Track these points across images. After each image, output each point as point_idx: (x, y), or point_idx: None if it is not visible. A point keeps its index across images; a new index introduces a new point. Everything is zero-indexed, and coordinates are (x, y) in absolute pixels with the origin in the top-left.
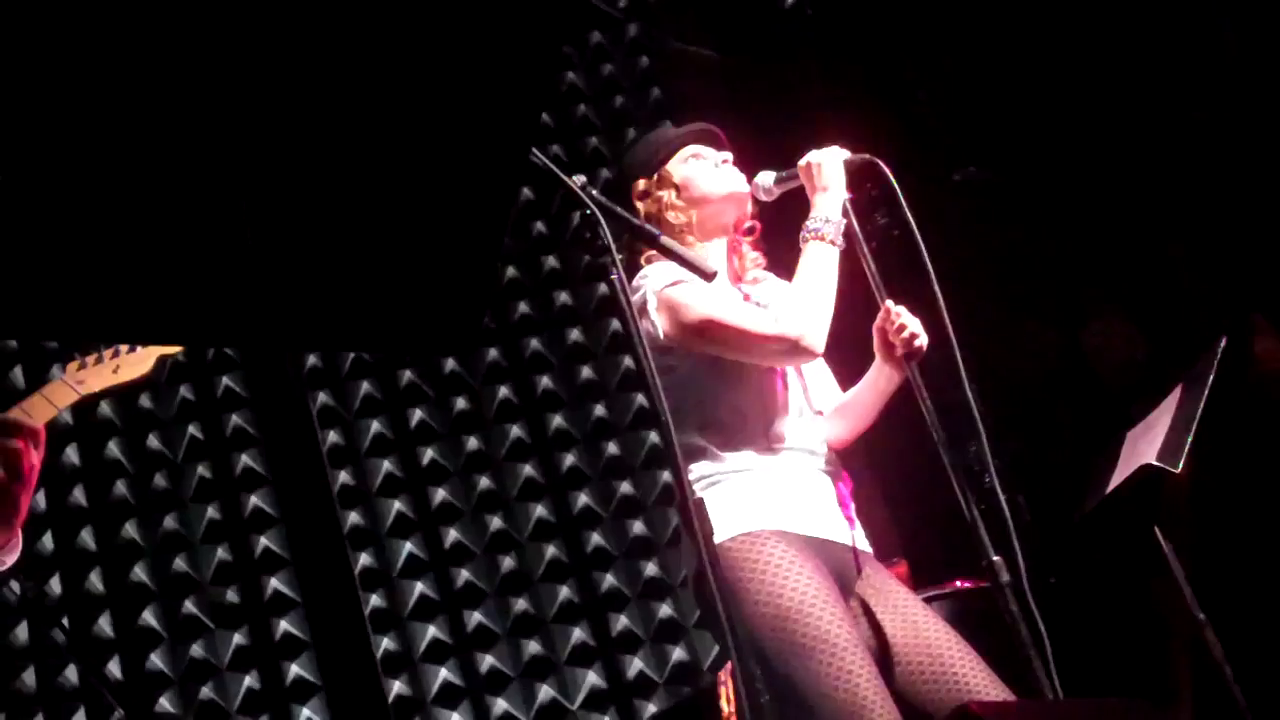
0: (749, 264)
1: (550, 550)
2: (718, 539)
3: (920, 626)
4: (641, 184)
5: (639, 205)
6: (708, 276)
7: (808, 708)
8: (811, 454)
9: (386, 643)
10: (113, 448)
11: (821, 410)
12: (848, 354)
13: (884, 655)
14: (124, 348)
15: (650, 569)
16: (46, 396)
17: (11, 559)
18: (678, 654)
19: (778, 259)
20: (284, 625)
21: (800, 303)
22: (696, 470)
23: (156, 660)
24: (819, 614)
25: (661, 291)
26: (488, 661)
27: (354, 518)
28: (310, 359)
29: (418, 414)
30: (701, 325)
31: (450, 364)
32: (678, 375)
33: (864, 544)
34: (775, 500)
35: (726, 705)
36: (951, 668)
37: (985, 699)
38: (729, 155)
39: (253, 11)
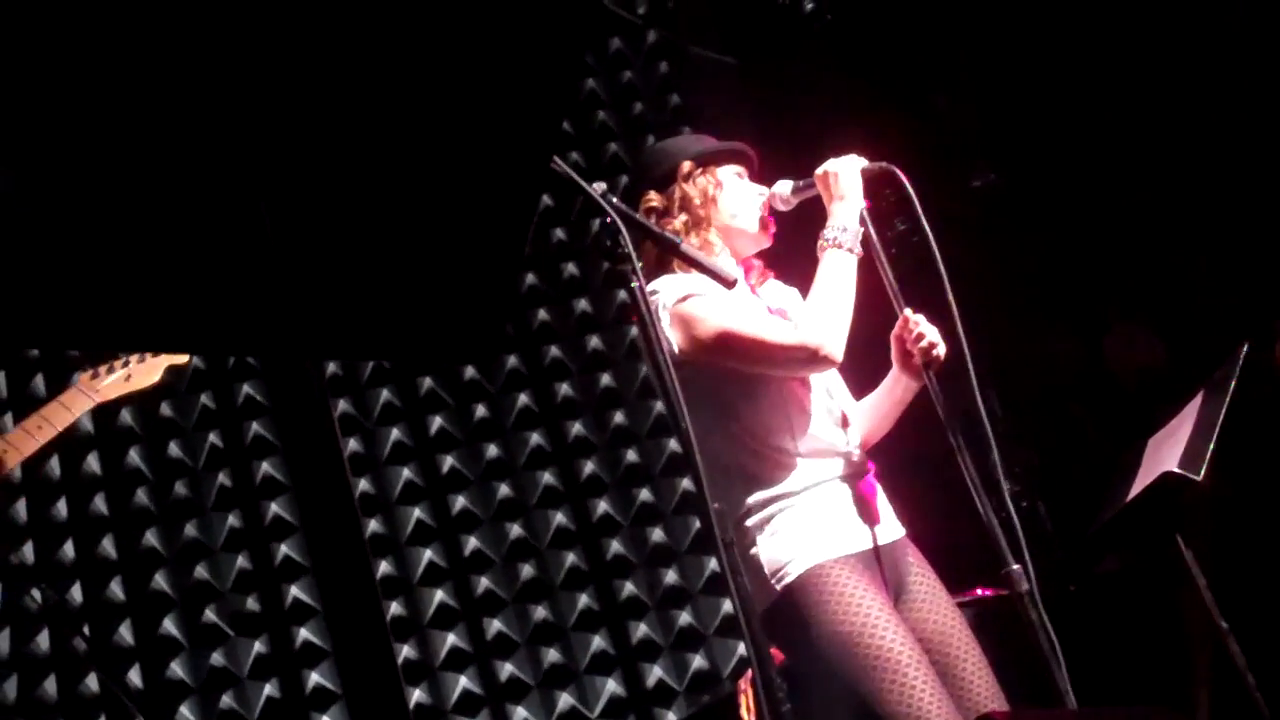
0: (755, 275)
1: (570, 558)
2: (787, 579)
3: (941, 618)
4: (687, 165)
5: (681, 186)
6: (729, 284)
7: None
8: (839, 458)
9: (406, 651)
10: (134, 456)
11: (845, 412)
12: (864, 361)
13: None
14: (134, 358)
15: (670, 577)
16: (64, 404)
17: None
18: (698, 662)
19: (793, 266)
20: (304, 633)
21: (820, 311)
22: (749, 501)
23: (177, 669)
24: (882, 633)
25: (674, 307)
26: (507, 669)
27: (374, 525)
28: (331, 367)
29: (437, 421)
30: (718, 338)
31: (470, 371)
32: (696, 389)
33: (895, 530)
34: (826, 526)
35: (746, 714)
36: (956, 667)
37: (979, 705)
38: (765, 190)
39: (277, 18)
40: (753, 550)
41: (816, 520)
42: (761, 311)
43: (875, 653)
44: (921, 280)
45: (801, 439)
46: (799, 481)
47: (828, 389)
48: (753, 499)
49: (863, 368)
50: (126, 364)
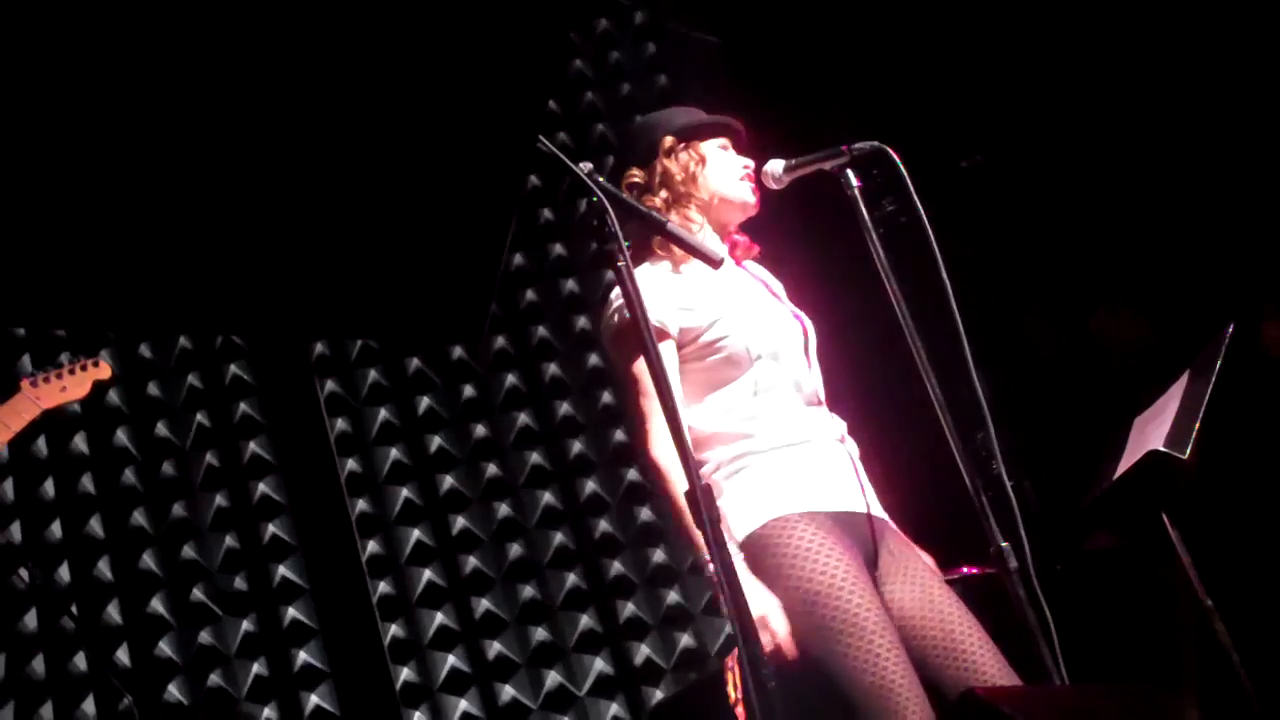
0: (741, 250)
1: (558, 537)
2: (750, 527)
3: (936, 600)
4: (669, 141)
5: (662, 162)
6: (715, 263)
7: (836, 689)
8: (823, 429)
9: (394, 630)
10: (121, 435)
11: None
12: (852, 338)
13: (898, 624)
14: (66, 370)
15: (658, 555)
16: (13, 408)
17: None
18: (685, 640)
19: (782, 246)
20: (292, 612)
21: (664, 461)
22: (714, 457)
23: (165, 647)
24: (848, 596)
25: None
26: (495, 648)
27: (362, 505)
28: (318, 347)
29: (425, 401)
30: (628, 376)
31: (457, 351)
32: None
33: (880, 510)
34: (799, 481)
35: (733, 691)
36: (961, 645)
37: (991, 682)
38: (750, 163)
39: (267, 3)
40: (719, 502)
41: (785, 473)
42: (670, 369)
43: (840, 615)
44: (909, 260)
45: (785, 413)
46: (768, 442)
47: (797, 382)
48: (723, 453)
49: (860, 367)
50: (61, 376)
